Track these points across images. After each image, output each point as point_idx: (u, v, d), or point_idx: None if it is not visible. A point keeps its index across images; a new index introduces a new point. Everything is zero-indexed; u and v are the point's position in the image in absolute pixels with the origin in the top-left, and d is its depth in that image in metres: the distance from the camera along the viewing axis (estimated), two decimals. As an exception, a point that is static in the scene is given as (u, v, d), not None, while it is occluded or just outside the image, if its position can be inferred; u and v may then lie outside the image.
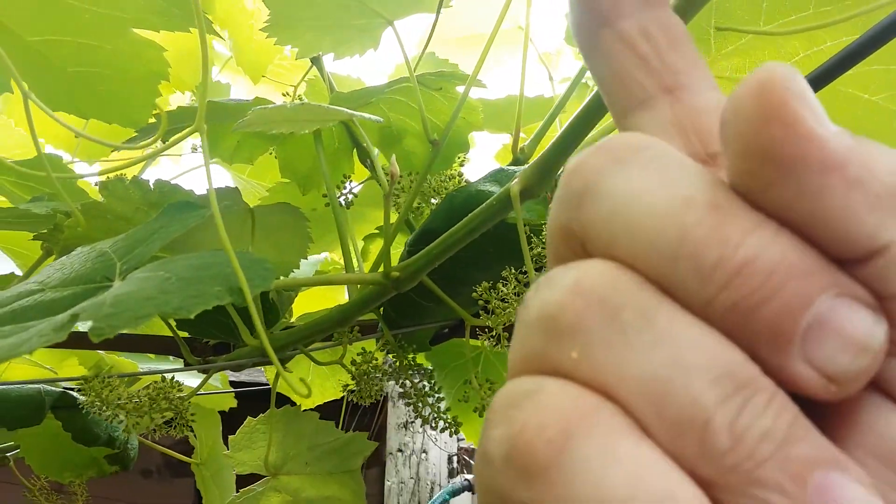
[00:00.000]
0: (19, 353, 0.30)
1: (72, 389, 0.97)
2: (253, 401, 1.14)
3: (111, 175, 0.91)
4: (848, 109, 0.49)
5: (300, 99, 0.77)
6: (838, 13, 0.42)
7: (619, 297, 0.16)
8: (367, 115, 0.47)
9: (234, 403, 1.11)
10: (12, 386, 0.90)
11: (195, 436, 1.06)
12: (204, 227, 0.51)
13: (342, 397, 0.83)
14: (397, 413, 2.35)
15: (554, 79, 0.83)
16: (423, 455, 2.30)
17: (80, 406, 1.01)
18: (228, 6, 0.84)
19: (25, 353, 0.30)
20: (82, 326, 0.32)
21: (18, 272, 1.04)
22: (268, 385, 0.79)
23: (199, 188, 0.60)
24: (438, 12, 0.51)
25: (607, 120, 0.41)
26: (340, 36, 0.56)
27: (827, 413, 0.16)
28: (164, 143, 0.69)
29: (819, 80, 0.37)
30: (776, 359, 0.15)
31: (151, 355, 1.02)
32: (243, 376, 1.66)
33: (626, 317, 0.15)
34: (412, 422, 2.33)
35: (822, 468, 0.14)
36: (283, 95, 0.78)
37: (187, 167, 1.13)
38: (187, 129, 0.41)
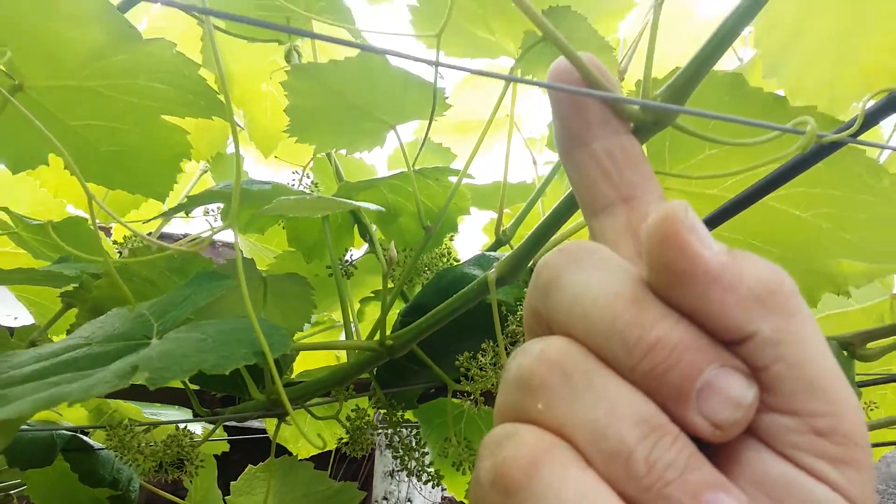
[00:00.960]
0: (91, 395, 0.38)
1: (78, 433, 1.04)
2: (242, 444, 1.20)
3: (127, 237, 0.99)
4: (780, 223, 0.56)
5: (308, 175, 0.85)
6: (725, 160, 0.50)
7: (571, 364, 0.23)
8: (371, 206, 0.55)
9: (226, 448, 1.17)
10: (26, 428, 0.96)
11: (191, 480, 1.11)
12: (226, 294, 0.59)
13: (334, 452, 0.90)
14: (384, 462, 2.40)
15: (538, 162, 0.92)
16: (408, 503, 2.34)
17: (89, 449, 1.08)
18: (245, 89, 0.93)
19: (96, 395, 0.38)
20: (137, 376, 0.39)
21: (29, 319, 1.11)
22: (258, 432, 0.85)
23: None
24: (431, 120, 0.59)
25: (563, 229, 0.48)
26: (352, 137, 0.65)
27: (718, 451, 0.23)
28: (187, 214, 0.77)
29: (741, 203, 0.45)
30: (679, 411, 0.22)
31: (157, 404, 1.08)
32: (233, 422, 1.72)
33: (576, 379, 0.23)
34: (398, 471, 2.37)
35: (712, 490, 0.21)
36: (294, 173, 0.86)
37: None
38: (223, 225, 0.49)
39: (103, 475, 1.05)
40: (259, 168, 1.16)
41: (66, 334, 0.84)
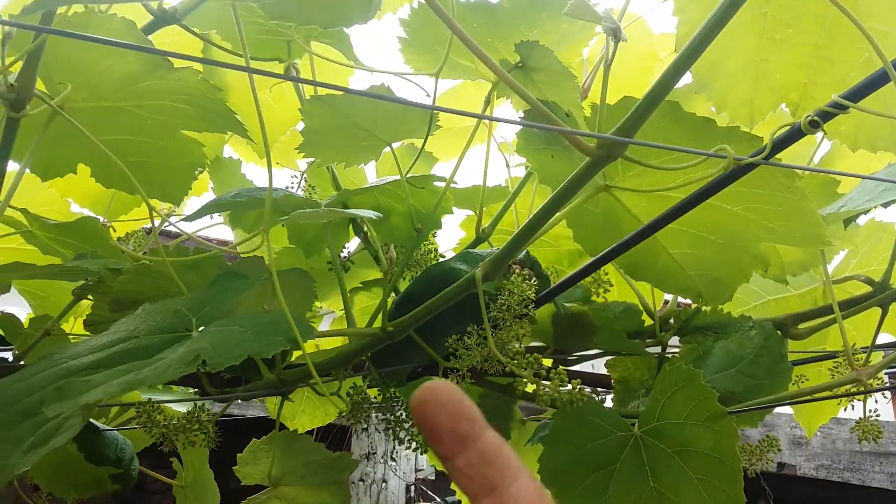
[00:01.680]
0: (163, 380, 0.47)
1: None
2: (232, 431, 1.29)
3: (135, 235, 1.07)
4: (717, 216, 0.68)
5: (305, 178, 0.95)
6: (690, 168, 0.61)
7: None
8: (371, 214, 0.65)
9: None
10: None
11: (181, 462, 1.20)
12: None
13: (314, 431, 1.01)
14: (360, 445, 2.50)
15: (510, 164, 1.02)
16: (384, 484, 2.45)
17: (96, 430, 1.16)
18: (242, 97, 1.02)
19: (167, 380, 0.47)
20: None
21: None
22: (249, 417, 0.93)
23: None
24: (425, 141, 0.69)
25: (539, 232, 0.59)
26: (352, 152, 0.75)
27: None
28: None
29: (684, 207, 0.56)
30: None
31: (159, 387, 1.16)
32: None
33: None
34: (374, 453, 2.49)
35: None
36: (293, 178, 0.95)
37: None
38: (256, 233, 0.59)
39: (108, 454, 1.12)
40: (249, 167, 1.25)
41: (84, 324, 0.93)
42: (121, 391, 0.47)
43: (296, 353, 0.96)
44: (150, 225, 1.26)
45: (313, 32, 0.80)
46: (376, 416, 0.84)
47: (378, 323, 0.67)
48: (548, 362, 0.64)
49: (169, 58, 0.68)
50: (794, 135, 0.52)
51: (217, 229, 1.22)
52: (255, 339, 0.52)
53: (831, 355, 0.94)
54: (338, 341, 1.01)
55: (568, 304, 0.81)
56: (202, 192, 1.25)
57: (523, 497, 0.37)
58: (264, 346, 0.51)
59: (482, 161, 0.89)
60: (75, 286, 0.94)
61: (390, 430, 0.83)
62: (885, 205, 0.84)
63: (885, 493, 3.31)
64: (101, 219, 1.15)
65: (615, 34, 0.44)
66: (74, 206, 1.16)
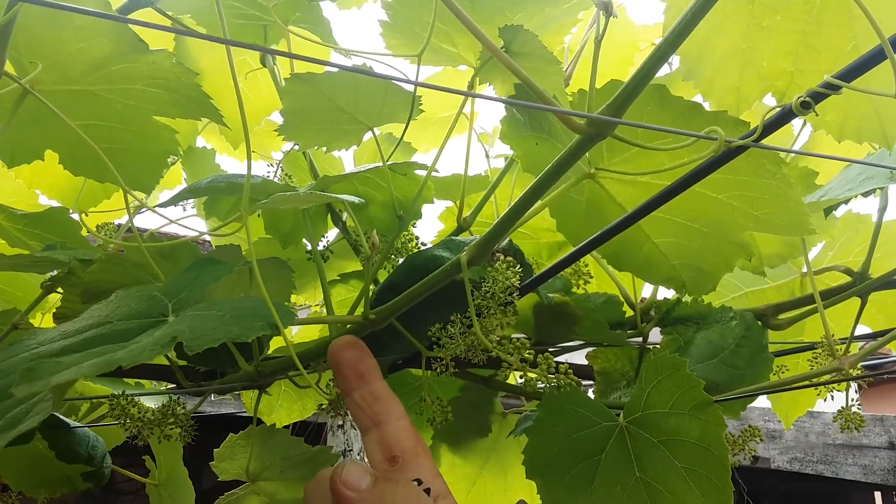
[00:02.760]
0: (139, 360, 0.45)
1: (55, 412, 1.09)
2: (206, 429, 1.26)
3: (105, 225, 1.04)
4: (701, 203, 0.68)
5: (281, 167, 0.93)
6: (653, 154, 0.60)
7: None
8: (352, 199, 0.63)
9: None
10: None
11: (154, 460, 1.17)
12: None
13: (291, 428, 0.99)
14: (336, 442, 2.48)
15: (490, 155, 1.01)
16: (360, 482, 2.45)
17: (66, 427, 1.13)
18: (215, 83, 1.00)
19: (142, 361, 0.45)
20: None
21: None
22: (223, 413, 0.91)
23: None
24: (407, 125, 0.68)
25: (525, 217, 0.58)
26: (333, 136, 0.73)
27: None
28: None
29: (669, 194, 0.55)
30: None
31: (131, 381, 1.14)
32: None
33: None
34: (350, 450, 2.47)
35: None
36: (269, 166, 0.93)
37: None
38: (234, 218, 0.57)
39: (79, 452, 1.09)
40: (223, 158, 1.23)
41: (53, 318, 0.90)
42: (93, 372, 0.45)
43: (273, 345, 0.95)
44: (121, 220, 1.24)
45: (291, 16, 0.78)
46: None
47: (360, 311, 0.65)
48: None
49: (143, 41, 0.66)
50: (785, 116, 0.51)
51: (188, 225, 1.20)
52: (234, 322, 0.50)
53: (811, 346, 0.94)
54: (315, 334, 0.99)
55: (550, 295, 0.80)
56: (175, 185, 1.22)
57: (402, 434, 0.52)
58: (244, 329, 0.49)
59: (462, 152, 0.88)
60: (44, 279, 0.92)
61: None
62: (866, 194, 0.85)
63: (859, 486, 3.35)
64: (71, 211, 1.12)
65: (606, 8, 0.43)
66: (43, 198, 1.14)
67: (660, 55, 0.47)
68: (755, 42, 0.67)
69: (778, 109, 0.49)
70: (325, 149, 0.74)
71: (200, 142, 1.13)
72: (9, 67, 0.64)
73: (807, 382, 0.82)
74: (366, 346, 0.55)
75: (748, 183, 0.65)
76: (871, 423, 3.41)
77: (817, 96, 0.48)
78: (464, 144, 0.88)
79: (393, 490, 0.48)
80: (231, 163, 1.23)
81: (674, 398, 0.68)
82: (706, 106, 0.66)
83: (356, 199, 0.63)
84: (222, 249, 0.75)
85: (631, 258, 0.76)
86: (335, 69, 0.63)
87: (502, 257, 0.64)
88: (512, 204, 0.52)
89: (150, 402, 1.09)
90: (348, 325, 0.68)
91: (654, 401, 0.69)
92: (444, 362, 0.64)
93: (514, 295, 0.63)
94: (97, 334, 0.56)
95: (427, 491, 0.51)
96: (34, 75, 0.63)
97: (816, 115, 0.48)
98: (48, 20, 0.65)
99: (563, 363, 0.54)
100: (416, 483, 0.51)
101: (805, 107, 0.49)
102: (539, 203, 0.60)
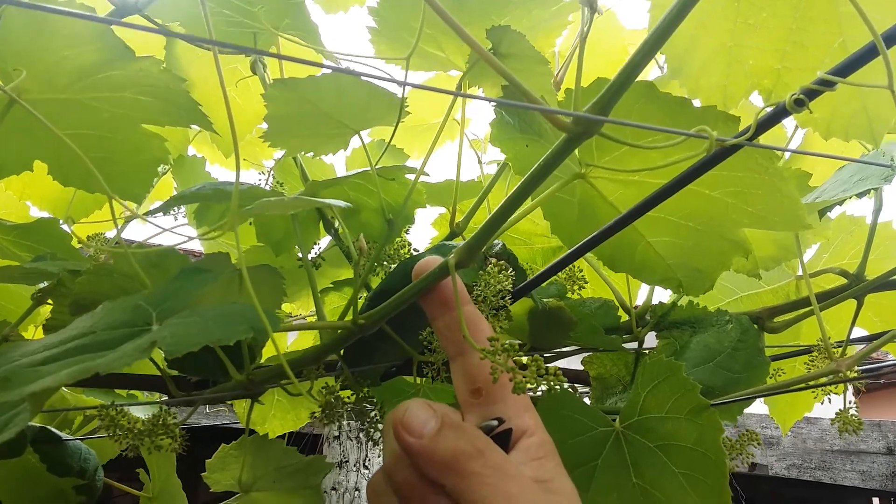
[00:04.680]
0: (118, 367, 0.44)
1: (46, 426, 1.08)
2: (199, 441, 1.25)
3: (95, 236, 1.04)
4: (695, 201, 0.67)
5: (273, 175, 0.92)
6: (643, 153, 0.60)
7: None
8: (340, 203, 0.63)
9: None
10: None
11: (148, 473, 1.16)
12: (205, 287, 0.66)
13: (285, 438, 0.98)
14: (332, 453, 2.47)
15: (482, 161, 1.01)
16: (357, 493, 2.42)
17: (57, 440, 1.12)
18: (205, 92, 0.99)
19: (121, 367, 0.44)
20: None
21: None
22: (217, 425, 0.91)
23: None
24: (396, 128, 0.67)
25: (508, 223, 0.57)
26: (319, 141, 0.72)
27: None
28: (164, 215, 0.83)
29: (663, 194, 0.55)
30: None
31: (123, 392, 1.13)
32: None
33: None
34: (346, 461, 2.46)
35: None
36: (260, 174, 0.93)
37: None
38: (222, 224, 0.56)
39: (71, 465, 1.08)
40: (215, 168, 1.22)
41: (43, 329, 0.89)
42: (70, 379, 0.44)
43: (265, 354, 0.94)
44: (112, 231, 1.23)
45: (281, 22, 0.77)
46: (348, 424, 0.82)
47: (350, 316, 0.65)
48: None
49: (130, 48, 0.66)
50: (779, 114, 0.50)
51: (180, 233, 1.19)
52: (216, 327, 0.49)
53: (808, 349, 0.94)
54: (307, 343, 0.98)
55: (545, 300, 0.80)
56: (167, 195, 1.22)
57: (484, 367, 0.48)
58: (225, 333, 0.48)
59: (453, 159, 0.88)
60: (34, 290, 0.91)
61: (364, 431, 0.81)
62: (860, 195, 0.84)
63: (857, 491, 3.34)
64: (61, 222, 1.12)
65: (591, 5, 0.43)
66: (34, 210, 1.13)
67: (645, 52, 0.46)
68: (742, 39, 0.66)
69: (771, 107, 0.49)
70: (311, 154, 0.73)
71: (192, 151, 1.12)
72: (-6, 76, 0.64)
73: (804, 385, 0.82)
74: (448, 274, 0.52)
75: (741, 179, 0.65)
76: (868, 428, 3.40)
77: (811, 93, 0.48)
78: (456, 150, 0.88)
79: (455, 439, 0.42)
80: (223, 172, 1.22)
81: (670, 402, 0.67)
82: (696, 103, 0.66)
83: (343, 204, 0.62)
84: (211, 258, 0.74)
85: (626, 259, 0.76)
86: (320, 72, 0.62)
87: (494, 261, 0.63)
88: (500, 204, 0.51)
89: (141, 413, 1.08)
90: (339, 331, 0.67)
91: (651, 405, 0.68)
92: (435, 367, 0.64)
93: (507, 299, 0.62)
94: (79, 344, 0.55)
95: (508, 431, 0.47)
96: (19, 82, 0.62)
97: (811, 112, 0.47)
98: (33, 29, 0.64)
99: (552, 366, 0.53)
100: (495, 423, 0.47)
101: (799, 104, 0.48)
102: (529, 203, 0.59)
